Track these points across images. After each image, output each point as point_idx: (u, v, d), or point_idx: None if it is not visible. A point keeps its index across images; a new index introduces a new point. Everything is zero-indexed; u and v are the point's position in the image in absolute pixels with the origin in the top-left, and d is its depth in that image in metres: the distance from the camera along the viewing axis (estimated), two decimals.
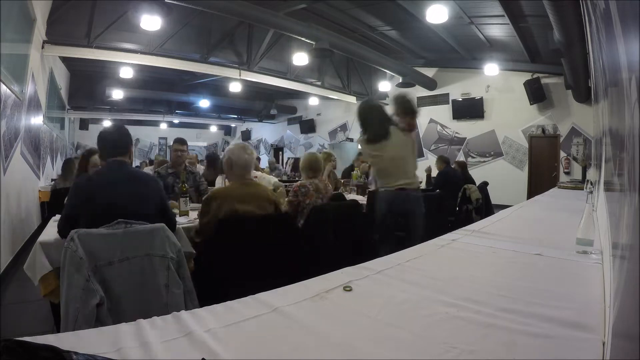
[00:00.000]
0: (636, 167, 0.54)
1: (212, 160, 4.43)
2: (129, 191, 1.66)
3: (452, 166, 5.47)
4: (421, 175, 6.23)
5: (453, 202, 4.54)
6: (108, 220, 1.43)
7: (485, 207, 4.95)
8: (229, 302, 0.93)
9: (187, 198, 2.55)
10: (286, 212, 2.49)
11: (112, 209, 1.51)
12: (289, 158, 12.41)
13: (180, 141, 3.26)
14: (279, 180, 3.99)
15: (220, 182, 3.34)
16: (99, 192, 1.62)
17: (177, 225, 1.90)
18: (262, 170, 5.22)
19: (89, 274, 1.29)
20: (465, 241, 1.66)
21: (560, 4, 3.90)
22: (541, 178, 7.97)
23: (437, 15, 5.32)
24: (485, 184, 5.21)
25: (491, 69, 7.76)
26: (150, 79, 9.72)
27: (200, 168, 4.48)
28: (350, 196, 3.86)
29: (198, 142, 15.74)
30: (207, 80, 9.65)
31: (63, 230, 1.66)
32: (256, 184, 2.21)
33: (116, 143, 1.78)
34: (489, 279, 1.17)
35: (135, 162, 10.02)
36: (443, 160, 5.15)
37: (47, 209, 4.00)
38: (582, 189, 4.22)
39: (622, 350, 0.56)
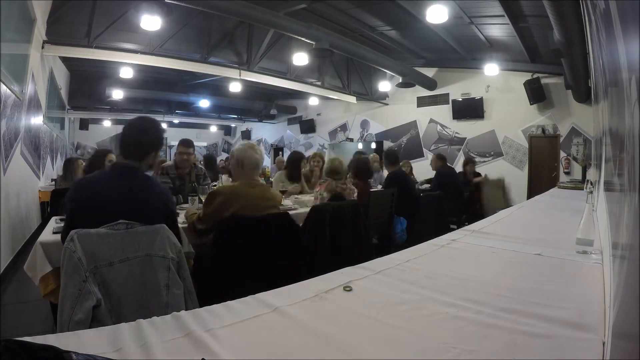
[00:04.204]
0: (636, 167, 0.54)
1: (210, 161, 4.43)
2: (131, 201, 1.49)
3: (451, 165, 5.45)
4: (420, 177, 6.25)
5: (453, 202, 4.53)
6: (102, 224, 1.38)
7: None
8: (229, 302, 0.93)
9: (196, 197, 2.54)
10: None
11: (108, 215, 1.40)
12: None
13: (186, 143, 3.10)
14: None
15: (224, 181, 3.34)
16: (96, 195, 1.47)
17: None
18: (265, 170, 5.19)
19: (87, 275, 1.29)
20: (465, 241, 1.66)
21: (560, 4, 3.90)
22: (541, 178, 7.97)
23: (437, 15, 5.32)
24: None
25: (491, 69, 7.75)
26: (150, 79, 9.72)
27: None
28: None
29: (198, 142, 15.73)
30: (207, 80, 9.64)
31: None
32: (262, 185, 2.16)
33: (132, 143, 1.53)
34: (489, 279, 1.17)
35: None
36: (439, 158, 5.11)
37: (47, 209, 4.00)
38: (582, 189, 4.22)
39: (622, 350, 0.56)
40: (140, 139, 1.56)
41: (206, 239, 1.99)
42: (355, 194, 2.77)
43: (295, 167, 3.92)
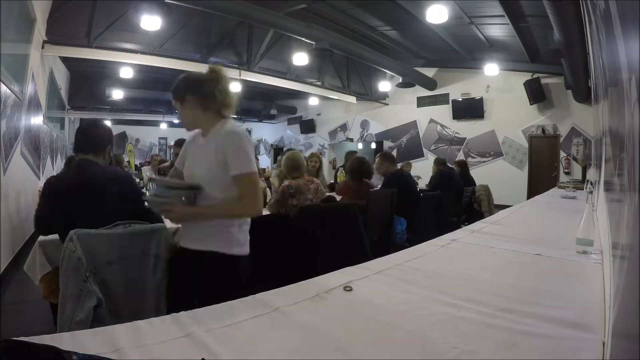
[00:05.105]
0: (636, 167, 0.54)
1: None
2: (95, 194, 1.53)
3: (451, 166, 5.46)
4: (424, 177, 6.24)
5: (455, 203, 4.52)
6: (83, 222, 1.39)
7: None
8: (229, 302, 0.93)
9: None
10: (272, 210, 2.51)
11: (81, 211, 1.45)
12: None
13: (180, 143, 3.18)
14: None
15: None
16: (67, 195, 1.53)
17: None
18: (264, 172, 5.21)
19: (87, 275, 1.29)
20: (465, 241, 1.66)
21: (560, 4, 3.90)
22: (541, 178, 7.97)
23: (437, 15, 5.32)
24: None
25: (491, 69, 7.75)
26: (150, 79, 9.71)
27: None
28: None
29: None
30: None
31: (38, 225, 1.63)
32: None
33: (88, 141, 1.64)
34: (489, 279, 1.17)
35: (135, 162, 10.02)
36: (440, 162, 5.12)
37: None
38: (582, 189, 4.23)
39: (622, 350, 0.56)
40: (96, 135, 1.67)
41: None
42: (323, 189, 2.67)
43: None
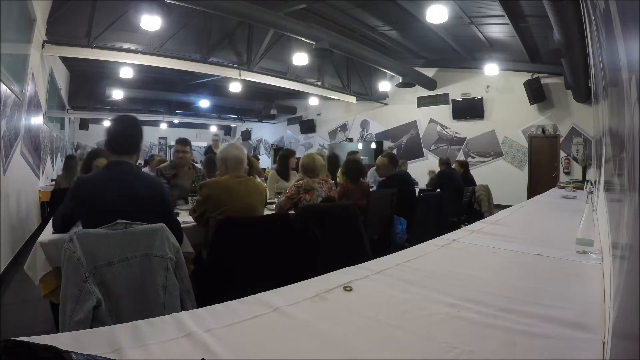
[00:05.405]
0: (636, 167, 0.54)
1: (209, 160, 4.44)
2: (130, 196, 1.56)
3: (453, 166, 5.47)
4: (424, 178, 6.24)
5: (455, 203, 4.52)
6: (105, 223, 1.41)
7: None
8: (229, 302, 0.93)
9: (197, 197, 2.56)
10: (281, 206, 2.62)
11: (111, 213, 1.45)
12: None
13: (183, 142, 3.19)
14: None
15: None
16: (99, 195, 1.54)
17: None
18: (264, 171, 5.21)
19: (87, 276, 1.29)
20: (465, 241, 1.66)
21: (560, 4, 3.90)
22: (541, 178, 7.97)
23: (437, 15, 5.32)
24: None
25: (491, 69, 7.76)
26: (150, 79, 9.72)
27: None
28: None
29: (198, 142, 15.73)
30: (207, 80, 9.64)
31: (57, 227, 1.67)
32: (246, 177, 2.31)
33: (125, 140, 1.63)
34: (488, 279, 1.17)
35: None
36: (442, 162, 5.18)
37: (47, 209, 4.00)
38: (582, 189, 4.23)
39: (622, 350, 0.56)
40: (131, 135, 1.67)
41: (206, 235, 2.06)
42: (334, 192, 2.78)
43: (284, 165, 3.95)
